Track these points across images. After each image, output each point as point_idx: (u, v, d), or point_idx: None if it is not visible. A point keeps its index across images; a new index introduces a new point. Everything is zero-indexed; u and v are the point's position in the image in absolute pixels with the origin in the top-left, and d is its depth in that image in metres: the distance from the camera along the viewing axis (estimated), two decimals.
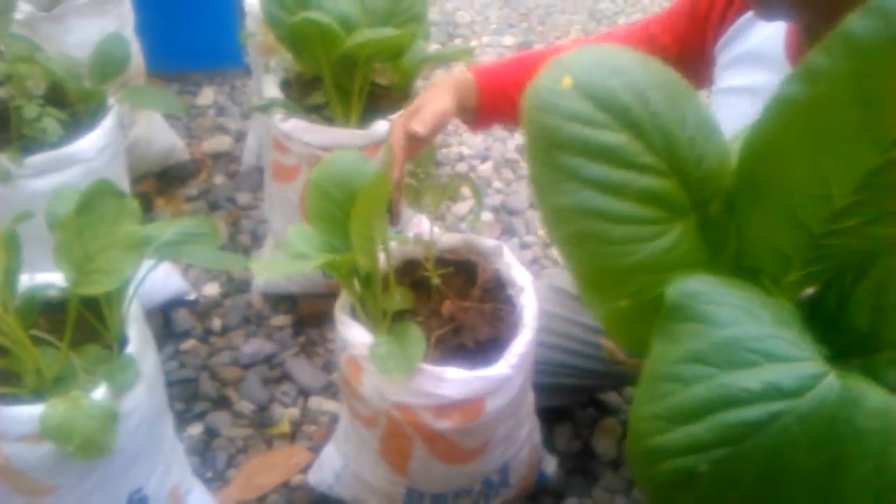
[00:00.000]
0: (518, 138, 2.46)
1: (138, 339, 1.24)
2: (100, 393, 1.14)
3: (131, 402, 1.19)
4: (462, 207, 2.15)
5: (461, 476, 1.30)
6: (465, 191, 2.09)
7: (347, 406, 1.32)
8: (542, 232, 2.15)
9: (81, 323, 1.23)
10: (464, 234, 1.40)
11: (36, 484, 1.15)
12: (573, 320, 1.47)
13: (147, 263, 1.25)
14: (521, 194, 2.28)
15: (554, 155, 0.60)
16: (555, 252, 2.10)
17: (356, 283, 1.24)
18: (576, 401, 1.66)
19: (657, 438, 0.57)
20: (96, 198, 1.15)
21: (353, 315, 1.26)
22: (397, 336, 1.19)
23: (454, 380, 1.16)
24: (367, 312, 1.25)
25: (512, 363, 1.19)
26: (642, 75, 0.60)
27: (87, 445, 1.08)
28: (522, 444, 1.37)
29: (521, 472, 1.41)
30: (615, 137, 0.59)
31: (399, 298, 1.31)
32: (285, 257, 1.20)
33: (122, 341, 1.24)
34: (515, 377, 1.21)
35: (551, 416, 1.61)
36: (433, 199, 1.27)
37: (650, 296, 0.60)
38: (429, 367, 1.16)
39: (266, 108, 1.63)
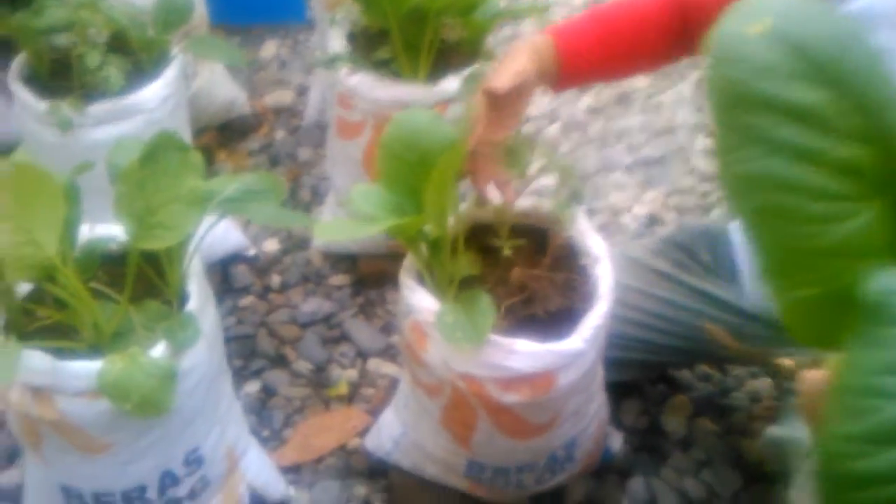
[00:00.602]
0: (588, 99, 2.36)
1: (199, 296, 1.20)
2: (159, 350, 1.11)
3: (190, 360, 1.16)
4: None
5: (526, 451, 1.25)
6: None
7: (409, 373, 1.28)
8: (613, 198, 2.07)
9: (141, 278, 1.20)
10: (535, 200, 1.33)
11: (91, 440, 1.12)
12: (647, 293, 1.40)
13: (208, 219, 1.21)
14: (590, 158, 2.19)
15: (740, 114, 0.51)
16: (625, 220, 2.02)
17: (423, 248, 1.18)
18: (645, 376, 1.59)
19: (855, 463, 0.49)
20: (159, 150, 1.10)
21: (419, 280, 1.20)
22: (465, 304, 1.13)
23: (524, 352, 1.10)
24: (434, 278, 1.19)
25: (586, 337, 1.12)
26: (842, 24, 0.51)
27: (145, 404, 1.05)
28: (591, 420, 1.31)
29: (587, 448, 1.35)
30: (814, 95, 0.50)
31: (467, 264, 1.25)
32: (348, 218, 1.15)
33: (183, 298, 1.21)
34: (588, 351, 1.14)
35: (619, 391, 1.54)
36: (516, 166, 1.19)
37: (839, 285, 0.52)
38: (498, 338, 1.10)
39: (331, 62, 1.57)
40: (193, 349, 1.16)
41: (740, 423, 1.58)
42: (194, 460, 1.25)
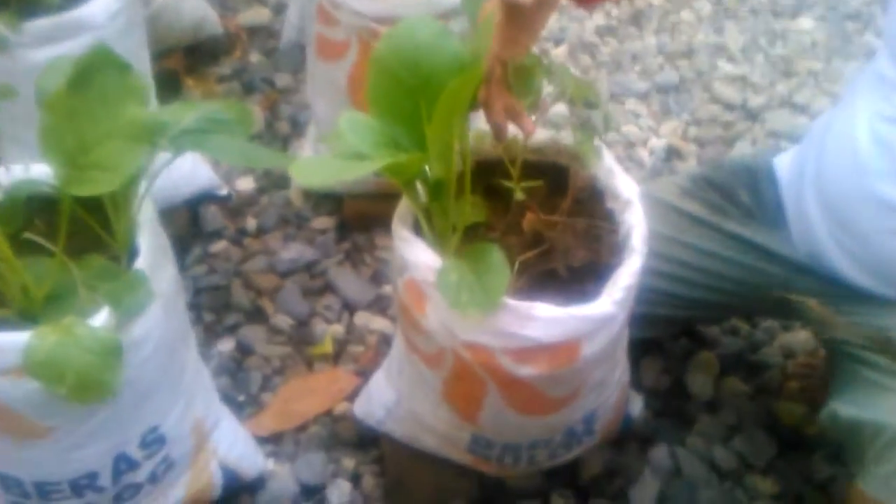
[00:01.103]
0: (598, 19, 2.13)
1: (151, 251, 1.00)
2: (101, 318, 0.92)
3: (142, 327, 0.97)
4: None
5: (541, 427, 1.08)
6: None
7: (403, 337, 1.09)
8: (626, 129, 1.86)
9: (82, 228, 1.00)
10: (551, 132, 1.12)
11: (27, 424, 0.94)
12: (677, 240, 1.21)
13: (164, 156, 1.00)
14: (601, 84, 1.97)
15: None
16: (640, 153, 1.81)
17: (421, 191, 0.98)
18: (669, 332, 1.41)
19: None
20: (93, 70, 0.89)
21: (416, 229, 1.01)
22: (472, 259, 0.94)
23: (544, 318, 0.91)
24: (434, 227, 1.00)
25: (616, 298, 0.94)
26: None
27: (83, 386, 0.87)
28: (614, 389, 1.14)
29: (607, 418, 1.18)
30: None
31: (473, 210, 1.05)
32: (334, 155, 0.94)
33: (132, 252, 1.01)
34: (618, 315, 0.96)
35: (637, 348, 1.37)
36: (530, 92, 0.99)
37: None
38: (512, 303, 0.91)
39: None
40: (146, 315, 0.97)
41: (773, 382, 1.42)
42: (154, 440, 1.07)
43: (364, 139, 0.93)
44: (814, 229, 1.08)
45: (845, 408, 1.04)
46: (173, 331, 1.06)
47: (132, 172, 0.89)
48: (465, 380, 1.01)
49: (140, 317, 0.97)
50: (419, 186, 0.99)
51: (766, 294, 1.16)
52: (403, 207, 1.03)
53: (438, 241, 1.00)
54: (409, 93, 0.92)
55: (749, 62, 2.05)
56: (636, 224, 1.01)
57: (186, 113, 1.01)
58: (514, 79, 1.02)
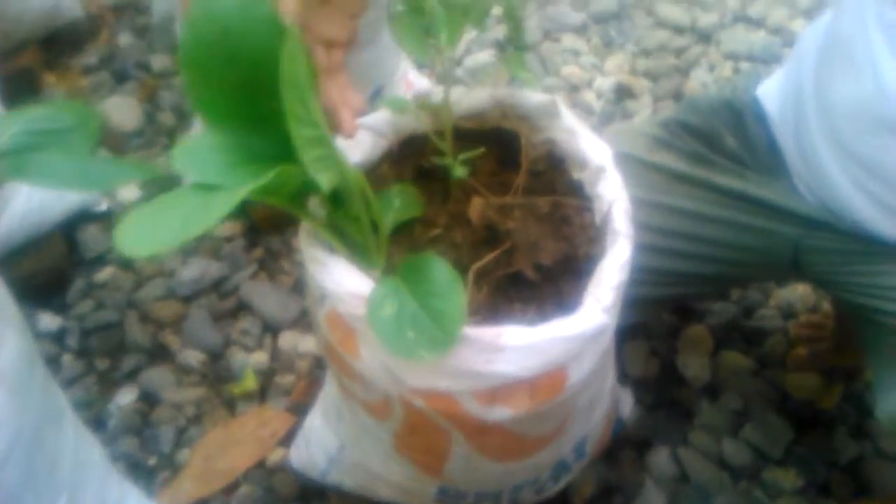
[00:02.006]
0: None
1: None
2: None
3: None
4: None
5: (522, 471, 0.85)
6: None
7: (337, 382, 0.85)
8: (566, 71, 1.62)
9: None
10: (492, 89, 0.88)
11: None
12: (658, 204, 0.98)
13: None
14: (531, 22, 1.72)
15: None
16: (587, 97, 1.58)
17: (315, 203, 0.73)
18: (656, 315, 1.20)
19: None
20: None
21: (330, 246, 0.76)
22: (411, 277, 0.69)
23: (516, 347, 0.68)
24: (349, 240, 0.74)
25: (606, 303, 0.71)
26: None
27: None
28: (606, 402, 0.92)
29: (598, 435, 0.96)
30: None
31: (399, 203, 0.81)
32: (175, 194, 0.66)
33: None
34: (610, 324, 0.73)
35: (618, 331, 1.15)
36: (448, 33, 0.74)
37: None
38: (473, 332, 0.67)
39: None
40: None
41: (777, 350, 1.22)
42: None
43: (206, 166, 0.65)
44: (826, 172, 0.85)
45: None
46: (33, 416, 0.80)
47: None
48: (422, 432, 0.77)
49: None
50: (313, 202, 0.74)
51: (776, 260, 0.94)
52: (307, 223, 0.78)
53: (361, 254, 0.75)
54: (242, 91, 0.65)
55: None
56: (616, 198, 0.78)
57: (3, 128, 0.74)
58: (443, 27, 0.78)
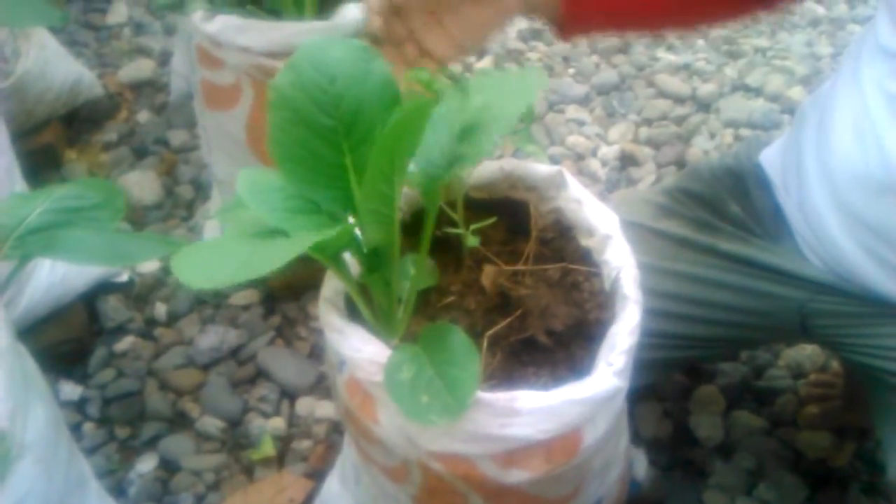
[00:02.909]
0: (522, 22, 1.95)
1: (9, 392, 0.76)
2: None
3: (13, 494, 0.75)
4: None
5: None
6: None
7: (356, 447, 0.87)
8: (571, 140, 1.67)
9: None
10: (500, 161, 0.92)
11: None
12: (665, 270, 1.01)
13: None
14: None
15: None
16: (591, 165, 1.62)
17: (352, 263, 0.77)
18: (666, 376, 1.22)
19: None
20: None
21: (351, 312, 0.79)
22: (428, 344, 0.72)
23: (531, 410, 0.70)
24: (374, 306, 0.78)
25: (617, 367, 0.73)
26: None
27: None
28: (619, 465, 0.93)
29: (613, 498, 0.97)
30: None
31: (423, 276, 0.84)
32: (234, 234, 0.72)
33: None
34: (622, 387, 0.75)
35: (629, 394, 1.17)
36: None
37: None
38: (488, 396, 0.70)
39: (178, 4, 1.11)
40: (13, 478, 0.74)
41: (788, 409, 1.23)
42: None
43: (272, 207, 0.70)
44: (831, 236, 0.88)
45: None
46: (59, 486, 0.83)
47: None
48: (441, 495, 0.79)
49: (6, 484, 0.73)
50: (349, 257, 0.78)
51: (783, 323, 0.97)
52: (330, 285, 0.81)
53: (382, 322, 0.78)
54: (328, 138, 0.69)
55: (690, 48, 1.89)
56: (623, 264, 0.81)
57: (31, 205, 0.78)
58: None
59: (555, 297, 0.83)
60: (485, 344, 0.77)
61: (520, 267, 0.86)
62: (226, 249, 0.67)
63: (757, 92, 1.77)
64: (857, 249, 0.86)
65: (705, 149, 1.64)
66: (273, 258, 0.61)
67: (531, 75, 0.74)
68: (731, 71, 1.82)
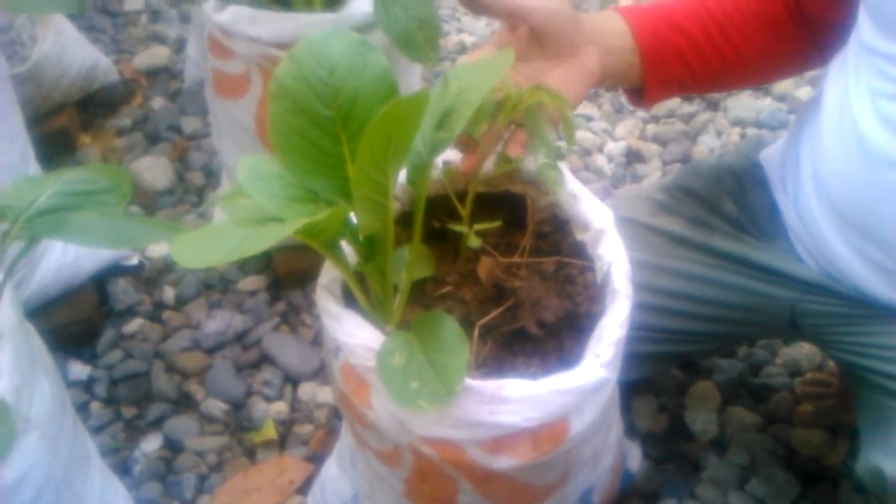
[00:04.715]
0: None
1: (16, 368, 0.79)
2: None
3: (17, 468, 0.77)
4: None
5: None
6: None
7: (351, 431, 0.89)
8: (579, 135, 1.68)
9: None
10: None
11: None
12: (660, 267, 1.02)
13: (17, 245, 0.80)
14: None
15: None
16: (598, 161, 1.64)
17: (349, 251, 0.79)
18: (662, 370, 1.23)
19: None
20: None
21: (348, 299, 0.81)
22: (421, 332, 0.74)
23: (518, 399, 0.72)
24: (370, 294, 0.80)
25: (605, 359, 0.75)
26: None
27: None
28: (609, 453, 0.95)
29: (604, 486, 0.99)
30: None
31: (419, 265, 0.86)
32: (234, 219, 0.74)
33: None
34: (610, 378, 0.77)
35: (626, 388, 1.18)
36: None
37: None
38: (476, 383, 0.72)
39: None
40: (18, 452, 0.77)
41: (783, 407, 1.24)
42: None
43: (270, 194, 0.72)
44: (824, 238, 0.89)
45: (875, 457, 0.85)
46: (63, 461, 0.85)
47: None
48: (431, 479, 0.81)
49: (11, 456, 0.76)
50: (346, 245, 0.80)
51: (774, 321, 0.98)
52: (328, 272, 0.83)
53: (377, 310, 0.80)
54: (326, 128, 0.71)
55: None
56: (615, 259, 0.82)
57: (40, 189, 0.81)
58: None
59: (548, 289, 0.84)
60: (476, 333, 0.79)
61: (516, 259, 0.88)
62: (222, 233, 0.70)
63: (765, 91, 1.77)
64: (848, 250, 0.87)
65: (711, 147, 1.64)
66: (263, 240, 0.63)
67: (499, 57, 0.75)
68: None
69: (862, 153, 0.80)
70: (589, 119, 1.73)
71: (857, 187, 0.83)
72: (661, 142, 1.67)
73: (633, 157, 1.63)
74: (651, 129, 1.70)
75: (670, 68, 0.93)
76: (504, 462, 0.76)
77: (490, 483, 0.79)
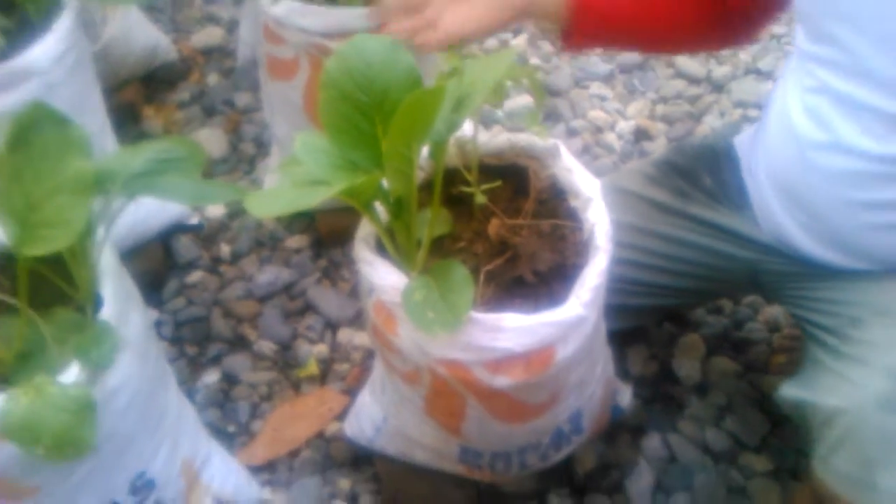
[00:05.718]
0: None
1: (116, 299, 0.99)
2: (73, 374, 0.91)
3: (115, 378, 0.96)
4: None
5: (526, 433, 1.07)
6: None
7: (381, 358, 1.08)
8: (593, 115, 1.85)
9: (46, 281, 0.99)
10: (509, 134, 1.11)
11: (11, 486, 0.93)
12: (645, 229, 1.20)
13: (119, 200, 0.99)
14: (564, 71, 1.96)
15: None
16: (608, 138, 1.80)
17: (381, 210, 0.98)
18: (650, 321, 1.41)
19: None
20: (31, 128, 0.88)
21: (379, 250, 1.00)
22: (437, 276, 0.93)
23: (513, 328, 0.91)
24: (398, 245, 0.99)
25: (585, 300, 0.93)
26: None
27: (60, 446, 0.86)
28: (597, 384, 1.13)
29: (594, 414, 1.18)
30: None
31: (437, 223, 1.04)
32: (291, 182, 0.93)
33: (97, 302, 1.00)
34: (589, 316, 0.95)
35: (621, 338, 1.36)
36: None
37: None
38: (480, 315, 0.90)
39: None
40: (117, 365, 0.96)
41: (760, 358, 1.42)
42: (143, 486, 1.06)
43: (320, 163, 0.91)
44: (772, 208, 1.07)
45: (790, 389, 1.03)
46: (149, 376, 1.05)
47: (83, 226, 0.88)
48: (444, 395, 1.00)
49: (111, 368, 0.96)
50: (379, 206, 0.99)
51: (738, 278, 1.16)
52: (364, 228, 1.02)
53: (404, 258, 0.99)
54: (364, 112, 0.90)
55: None
56: (599, 221, 1.00)
57: (135, 156, 1.00)
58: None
59: (543, 245, 1.02)
60: (482, 278, 0.98)
61: (519, 221, 1.06)
62: (282, 193, 0.90)
63: (768, 75, 1.92)
64: (786, 216, 1.05)
65: (714, 127, 1.80)
66: (314, 197, 0.83)
67: (502, 56, 0.93)
68: (745, 55, 1.97)
69: (793, 139, 0.98)
70: (603, 99, 1.89)
71: (790, 165, 1.01)
72: (668, 121, 1.83)
73: (641, 135, 1.80)
74: (660, 109, 1.86)
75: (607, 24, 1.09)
76: (503, 381, 0.94)
77: (492, 398, 0.98)
